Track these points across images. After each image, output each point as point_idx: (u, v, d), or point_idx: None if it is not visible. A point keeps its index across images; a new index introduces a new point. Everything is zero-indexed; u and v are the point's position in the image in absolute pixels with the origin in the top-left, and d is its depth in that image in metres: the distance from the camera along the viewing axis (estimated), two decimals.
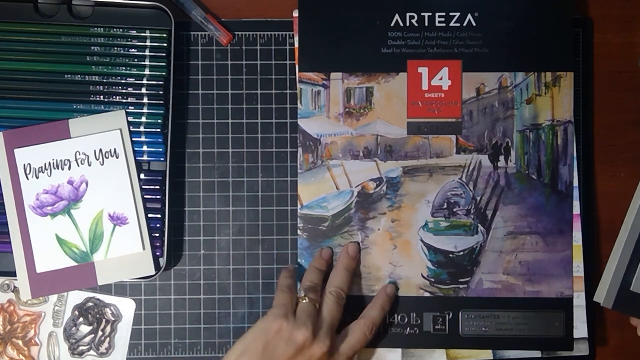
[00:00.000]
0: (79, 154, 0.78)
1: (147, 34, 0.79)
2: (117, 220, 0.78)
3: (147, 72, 0.79)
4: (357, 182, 0.80)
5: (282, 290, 0.75)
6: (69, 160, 0.78)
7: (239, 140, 0.82)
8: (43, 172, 0.78)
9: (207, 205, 0.81)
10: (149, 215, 0.79)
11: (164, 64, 0.80)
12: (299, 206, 0.79)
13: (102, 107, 0.79)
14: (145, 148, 0.79)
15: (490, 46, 0.79)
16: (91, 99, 0.79)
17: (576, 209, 0.80)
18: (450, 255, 0.79)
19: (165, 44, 0.79)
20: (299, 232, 0.79)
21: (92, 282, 0.78)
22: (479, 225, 0.79)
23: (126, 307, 0.81)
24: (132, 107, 0.79)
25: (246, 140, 0.82)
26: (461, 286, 0.79)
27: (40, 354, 0.80)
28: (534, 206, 0.79)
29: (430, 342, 0.79)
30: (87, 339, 0.81)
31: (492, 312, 0.79)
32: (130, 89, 0.79)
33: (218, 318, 0.81)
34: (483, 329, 0.79)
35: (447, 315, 0.79)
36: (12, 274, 0.78)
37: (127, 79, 0.79)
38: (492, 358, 0.80)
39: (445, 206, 0.79)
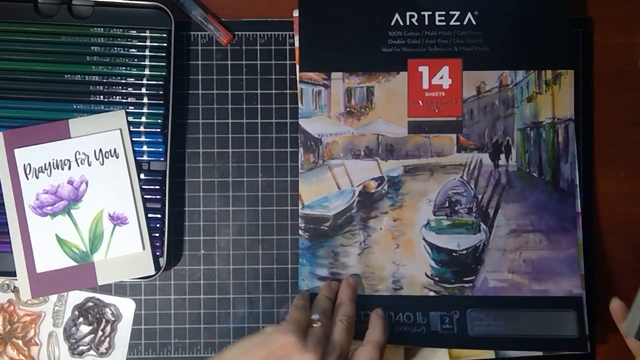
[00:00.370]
0: (79, 154, 0.78)
1: (147, 34, 0.79)
2: (117, 220, 0.78)
3: (147, 72, 0.79)
4: (358, 182, 0.80)
5: (296, 308, 0.74)
6: (69, 160, 0.78)
7: (239, 140, 0.82)
8: (43, 172, 0.78)
9: (207, 205, 0.81)
10: (149, 215, 0.79)
11: (164, 64, 0.80)
12: (300, 206, 0.79)
13: (102, 107, 0.79)
14: (145, 148, 0.79)
15: (490, 44, 0.80)
16: (91, 99, 0.79)
17: (577, 208, 0.80)
18: (454, 254, 0.79)
19: (165, 44, 0.79)
20: (300, 232, 0.79)
21: (92, 282, 0.78)
22: (481, 223, 0.79)
23: (126, 307, 0.81)
24: (132, 107, 0.79)
25: (246, 140, 0.82)
26: (466, 285, 0.79)
27: (40, 354, 0.80)
28: (536, 204, 0.79)
29: (438, 342, 0.78)
30: (87, 339, 0.80)
31: (501, 311, 0.79)
32: (130, 89, 0.79)
33: (218, 318, 0.81)
34: (493, 328, 0.78)
35: (454, 315, 0.79)
36: (12, 274, 0.78)
37: (127, 79, 0.79)
38: (494, 357, 0.79)
39: (446, 205, 0.79)
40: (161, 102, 0.79)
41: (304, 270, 0.79)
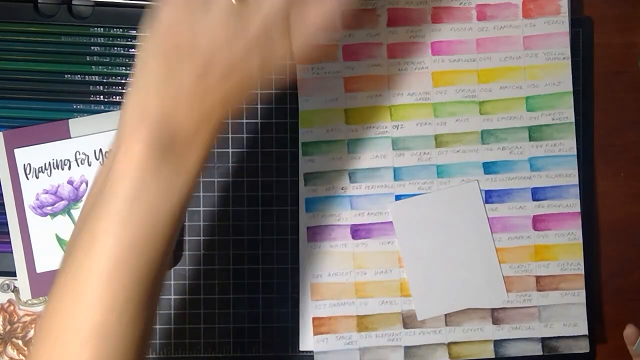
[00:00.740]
0: (79, 154, 0.78)
1: None
2: None
3: None
4: None
5: None
6: (69, 160, 0.78)
7: (239, 140, 0.82)
8: (43, 172, 0.78)
9: (207, 206, 0.81)
10: None
11: None
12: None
13: (102, 107, 0.79)
14: None
15: None
16: (91, 99, 0.79)
17: (576, 207, 0.80)
18: None
19: None
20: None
21: None
22: None
23: None
24: None
25: (246, 141, 0.82)
26: None
27: None
28: None
29: None
30: None
31: None
32: None
33: (218, 318, 0.81)
34: None
35: None
36: (12, 274, 0.78)
37: (127, 79, 0.79)
38: (494, 357, 0.80)
39: None
40: None
41: None
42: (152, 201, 0.52)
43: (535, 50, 0.81)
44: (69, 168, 0.78)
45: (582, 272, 0.80)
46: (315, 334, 0.80)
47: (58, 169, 0.78)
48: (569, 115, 0.80)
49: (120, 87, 0.79)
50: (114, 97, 0.79)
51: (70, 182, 0.78)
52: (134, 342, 0.53)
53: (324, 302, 0.79)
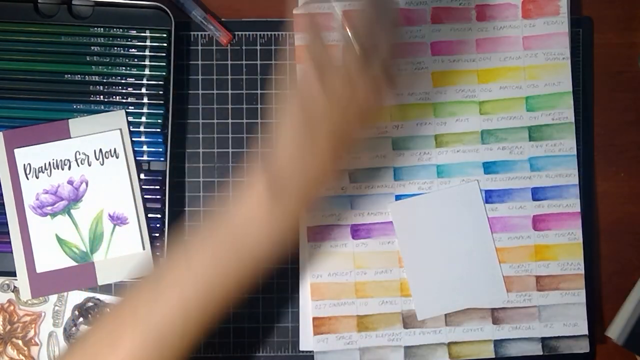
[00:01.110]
0: (79, 154, 0.78)
1: (147, 34, 0.80)
2: (117, 220, 0.78)
3: (147, 72, 0.80)
4: None
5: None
6: (69, 160, 0.78)
7: (239, 140, 0.82)
8: (43, 172, 0.78)
9: (207, 206, 0.81)
10: (149, 215, 0.79)
11: (164, 64, 0.80)
12: None
13: (102, 107, 0.79)
14: (145, 148, 0.79)
15: None
16: (91, 99, 0.79)
17: (576, 207, 0.80)
18: None
19: (165, 44, 0.80)
20: None
21: (92, 282, 0.78)
22: None
23: None
24: (132, 107, 0.79)
25: (246, 141, 0.82)
26: None
27: (40, 354, 0.80)
28: None
29: None
30: None
31: None
32: (130, 89, 0.79)
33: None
34: None
35: None
36: (12, 274, 0.78)
37: (127, 79, 0.79)
38: (494, 357, 0.80)
39: None
40: (161, 102, 0.79)
41: None
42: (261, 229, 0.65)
43: (535, 50, 0.81)
44: (69, 168, 0.78)
45: (582, 271, 0.80)
46: (315, 333, 0.80)
47: (58, 168, 0.78)
48: (569, 115, 0.80)
49: (120, 87, 0.79)
50: (114, 97, 0.79)
51: (70, 182, 0.78)
52: None
53: (324, 302, 0.79)
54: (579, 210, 0.80)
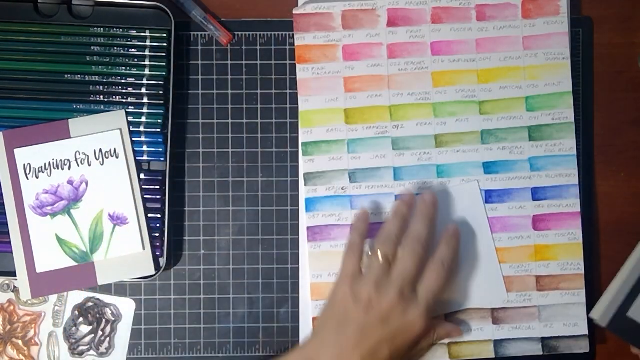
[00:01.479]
0: (79, 154, 0.78)
1: (147, 34, 0.80)
2: (117, 220, 0.78)
3: (147, 72, 0.79)
4: None
5: (346, 252, 0.75)
6: (69, 160, 0.78)
7: (239, 140, 0.82)
8: (43, 172, 0.78)
9: (207, 205, 0.81)
10: (149, 215, 0.79)
11: (164, 64, 0.80)
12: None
13: (102, 107, 0.79)
14: (145, 148, 0.79)
15: None
16: (91, 99, 0.79)
17: (576, 207, 0.80)
18: None
19: (165, 44, 0.79)
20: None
21: (92, 282, 0.78)
22: None
23: (126, 307, 0.81)
24: (132, 107, 0.79)
25: (246, 140, 0.82)
26: None
27: (40, 354, 0.80)
28: None
29: None
30: (87, 339, 0.80)
31: None
32: (130, 89, 0.79)
33: (218, 318, 0.81)
34: None
35: None
36: (12, 274, 0.78)
37: (127, 79, 0.79)
38: (494, 357, 0.80)
39: None
40: (161, 102, 0.79)
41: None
42: None
43: (535, 50, 0.81)
44: (69, 168, 0.78)
45: (582, 271, 0.80)
46: None
47: (58, 168, 0.78)
48: (569, 115, 0.80)
49: (120, 87, 0.79)
50: (114, 97, 0.79)
51: (70, 182, 0.78)
52: None
53: (324, 302, 0.79)
54: (579, 210, 0.80)
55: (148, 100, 0.79)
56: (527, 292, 0.80)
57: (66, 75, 0.79)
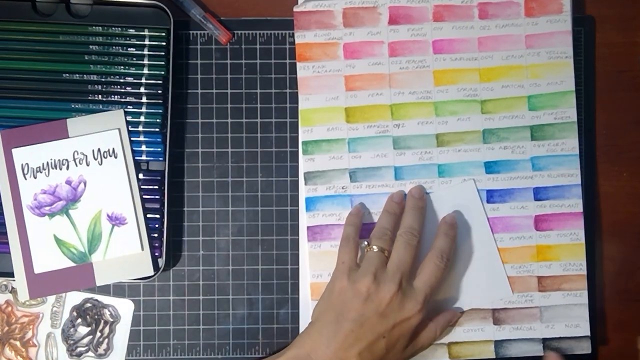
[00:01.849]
0: (77, 154, 0.78)
1: (146, 32, 0.79)
2: (116, 221, 0.78)
3: (145, 71, 0.79)
4: None
5: (342, 245, 0.76)
6: (67, 160, 0.78)
7: (239, 140, 0.81)
8: (41, 172, 0.77)
9: (206, 206, 0.81)
10: (148, 215, 0.79)
11: (163, 63, 0.79)
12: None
13: (101, 106, 0.79)
14: (144, 148, 0.79)
15: None
16: (89, 98, 0.79)
17: (578, 207, 0.80)
18: None
19: (164, 43, 0.79)
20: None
21: (90, 282, 0.78)
22: None
23: (125, 308, 0.81)
24: (131, 107, 0.79)
25: (246, 140, 0.81)
26: None
27: (38, 355, 0.80)
28: None
29: None
30: (85, 340, 0.80)
31: None
32: (129, 89, 0.79)
33: (217, 319, 0.81)
34: None
35: None
36: (10, 274, 0.78)
37: (126, 78, 0.79)
38: (494, 357, 0.79)
39: None
40: (160, 101, 0.79)
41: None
42: None
43: (538, 49, 0.80)
44: (67, 168, 0.78)
45: (585, 272, 0.80)
46: None
47: (56, 168, 0.78)
48: (572, 114, 0.80)
49: (118, 87, 0.79)
50: (113, 96, 0.79)
51: (68, 182, 0.78)
52: None
53: (321, 295, 0.79)
54: (581, 210, 0.80)
55: (147, 99, 0.79)
56: (528, 293, 0.80)
57: (64, 75, 0.79)
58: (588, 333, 0.79)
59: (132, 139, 0.79)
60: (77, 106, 0.78)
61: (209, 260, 0.81)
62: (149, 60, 0.79)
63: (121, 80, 0.79)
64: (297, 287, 0.80)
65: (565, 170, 0.80)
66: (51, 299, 0.80)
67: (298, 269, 0.80)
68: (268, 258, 0.81)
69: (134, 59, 0.79)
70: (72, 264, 0.77)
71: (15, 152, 0.77)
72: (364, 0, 0.80)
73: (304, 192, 0.80)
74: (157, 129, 0.79)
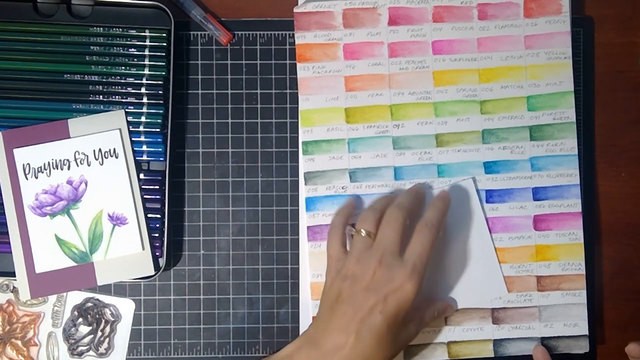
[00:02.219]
0: (79, 154, 0.78)
1: (147, 33, 0.79)
2: (117, 221, 0.78)
3: (146, 71, 0.79)
4: None
5: (329, 236, 0.76)
6: (68, 160, 0.78)
7: (239, 140, 0.81)
8: (42, 172, 0.78)
9: (206, 205, 0.81)
10: (149, 215, 0.79)
11: (164, 63, 0.79)
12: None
13: (102, 107, 0.79)
14: (144, 148, 0.79)
15: None
16: (90, 98, 0.79)
17: (577, 207, 0.80)
18: None
19: (164, 44, 0.79)
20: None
21: (91, 282, 0.78)
22: None
23: (125, 307, 0.81)
24: (132, 107, 0.79)
25: (246, 140, 0.81)
26: None
27: (39, 355, 0.80)
28: None
29: None
30: (86, 340, 0.80)
31: None
32: (129, 89, 0.79)
33: (218, 318, 0.81)
34: None
35: None
36: (12, 274, 0.78)
37: (127, 79, 0.79)
38: (493, 356, 0.80)
39: None
40: (161, 101, 0.79)
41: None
42: None
43: (537, 49, 0.80)
44: (68, 168, 0.78)
45: (583, 272, 0.80)
46: None
47: (57, 169, 0.78)
48: (570, 114, 0.80)
49: (119, 87, 0.79)
50: (114, 96, 0.79)
51: (69, 182, 0.78)
52: None
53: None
54: (580, 210, 0.80)
55: (147, 100, 0.79)
56: (527, 292, 0.80)
57: (65, 75, 0.79)
58: (586, 332, 0.80)
59: (133, 139, 0.79)
60: (78, 106, 0.79)
61: (210, 259, 0.81)
62: (149, 61, 0.79)
63: (122, 81, 0.79)
64: (297, 286, 0.81)
65: (564, 170, 0.80)
66: (52, 298, 0.80)
67: (298, 268, 0.81)
68: (268, 258, 0.81)
69: (135, 59, 0.79)
70: (73, 264, 0.78)
71: (17, 152, 0.78)
72: (363, 1, 0.81)
73: (304, 192, 0.80)
74: (158, 129, 0.79)
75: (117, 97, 0.79)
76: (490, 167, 0.80)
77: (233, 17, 0.82)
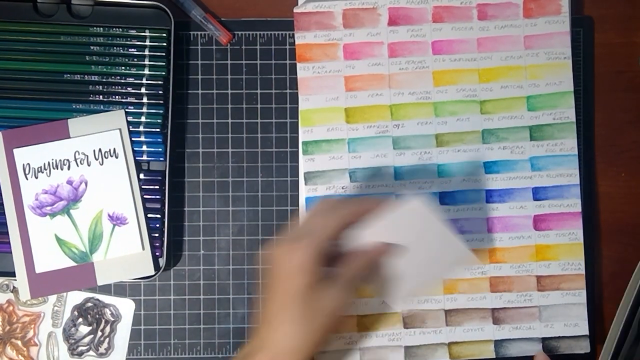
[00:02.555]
0: (79, 154, 0.78)
1: (147, 33, 0.79)
2: (117, 221, 0.78)
3: (146, 71, 0.79)
4: None
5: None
6: (68, 160, 0.78)
7: (239, 140, 0.81)
8: (42, 172, 0.78)
9: (206, 205, 0.81)
10: (149, 215, 0.79)
11: (164, 63, 0.79)
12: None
13: (102, 107, 0.79)
14: (144, 148, 0.79)
15: None
16: (90, 98, 0.79)
17: (577, 207, 0.80)
18: None
19: (164, 44, 0.79)
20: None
21: (91, 282, 0.78)
22: None
23: (125, 307, 0.81)
24: (132, 107, 0.79)
25: (246, 140, 0.81)
26: None
27: (39, 355, 0.80)
28: None
29: None
30: (86, 340, 0.80)
31: None
32: (129, 89, 0.79)
33: (218, 318, 0.81)
34: None
35: None
36: (12, 274, 0.78)
37: (127, 79, 0.79)
38: (494, 357, 0.80)
39: None
40: (161, 101, 0.79)
41: None
42: None
43: (536, 49, 0.80)
44: (69, 168, 0.78)
45: (583, 272, 0.80)
46: None
47: (57, 169, 0.78)
48: (570, 114, 0.80)
49: (119, 87, 0.79)
50: (114, 96, 0.79)
51: (69, 182, 0.78)
52: None
53: None
54: (580, 210, 0.80)
55: (147, 100, 0.79)
56: (527, 292, 0.80)
57: (65, 75, 0.79)
58: (587, 332, 0.80)
59: (133, 139, 0.79)
60: (78, 106, 0.79)
61: (210, 259, 0.81)
62: (149, 61, 0.79)
63: (122, 81, 0.79)
64: None
65: (564, 170, 0.80)
66: (52, 298, 0.80)
67: None
68: (268, 257, 0.81)
69: (135, 59, 0.79)
70: (73, 264, 0.78)
71: (17, 152, 0.78)
72: (363, 1, 0.81)
73: (304, 192, 0.80)
74: (158, 129, 0.79)
75: (117, 97, 0.79)
76: (490, 167, 0.80)
77: (233, 17, 0.82)
